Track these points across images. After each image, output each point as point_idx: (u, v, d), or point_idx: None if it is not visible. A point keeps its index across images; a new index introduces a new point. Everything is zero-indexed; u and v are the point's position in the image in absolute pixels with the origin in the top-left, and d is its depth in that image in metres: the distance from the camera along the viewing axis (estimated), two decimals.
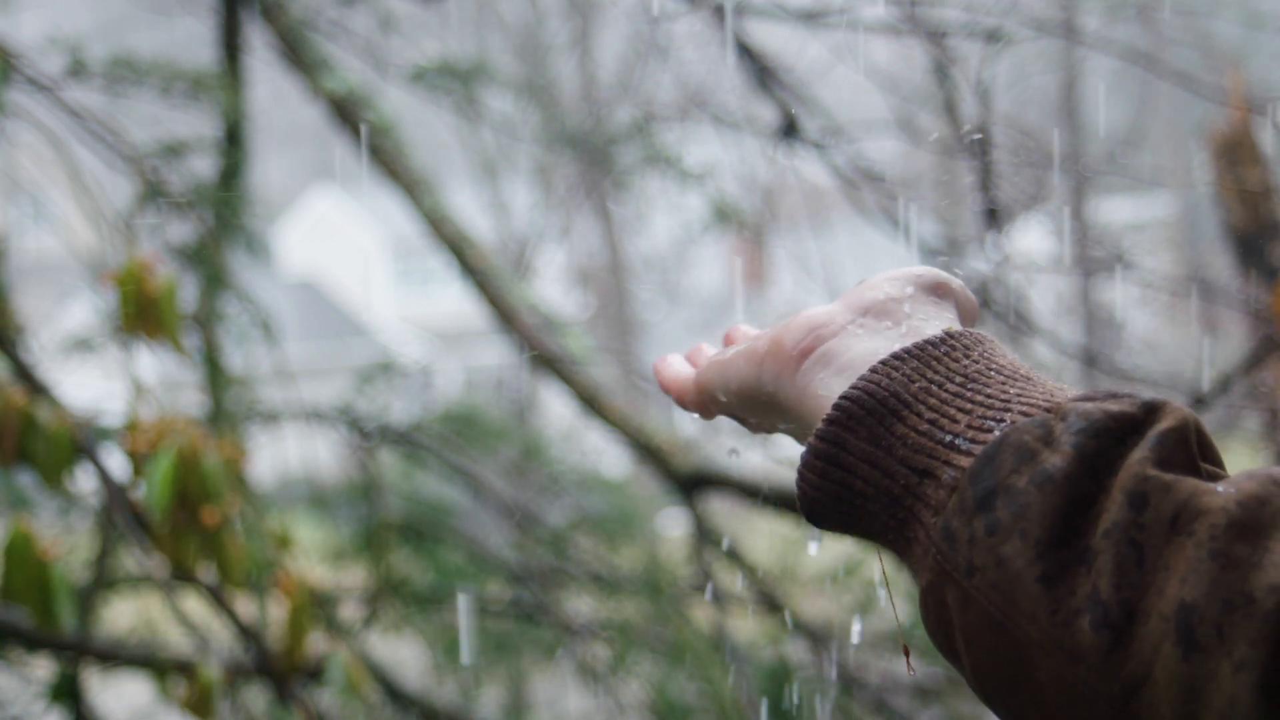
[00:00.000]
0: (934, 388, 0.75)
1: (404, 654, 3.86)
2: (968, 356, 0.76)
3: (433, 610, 3.48)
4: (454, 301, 15.70)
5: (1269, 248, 3.92)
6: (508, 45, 10.20)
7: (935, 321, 0.80)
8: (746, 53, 2.99)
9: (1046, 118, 9.41)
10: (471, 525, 3.79)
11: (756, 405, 0.84)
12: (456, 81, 3.40)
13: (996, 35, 2.68)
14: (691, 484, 3.34)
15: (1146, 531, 0.66)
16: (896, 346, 0.77)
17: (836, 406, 0.75)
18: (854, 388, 0.75)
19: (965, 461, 0.71)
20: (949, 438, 0.72)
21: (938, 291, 0.82)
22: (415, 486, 3.91)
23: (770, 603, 3.55)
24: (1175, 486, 0.66)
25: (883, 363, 0.76)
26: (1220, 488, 0.66)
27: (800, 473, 0.77)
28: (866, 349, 0.78)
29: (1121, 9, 3.47)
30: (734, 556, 3.64)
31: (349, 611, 3.42)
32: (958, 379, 0.75)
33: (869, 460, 0.74)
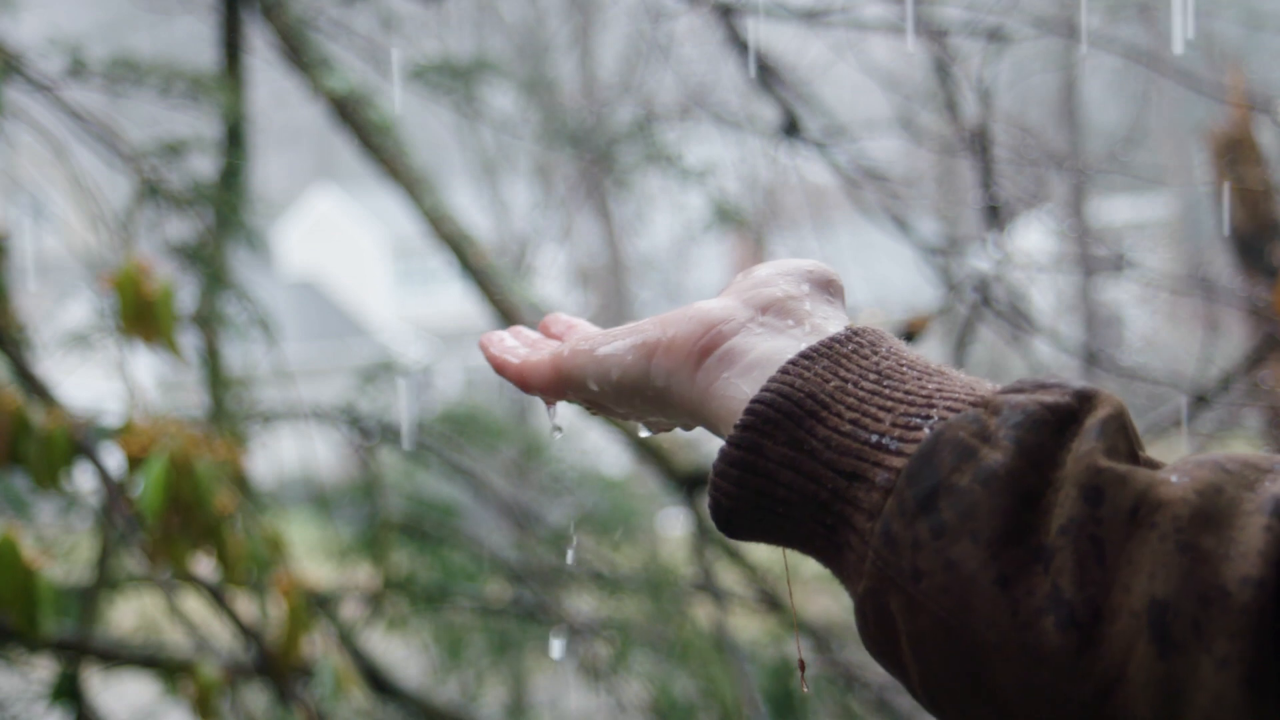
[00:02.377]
0: (849, 386, 0.72)
1: (405, 654, 3.86)
2: (876, 353, 0.74)
3: (435, 609, 3.48)
4: (454, 301, 15.70)
5: (1269, 247, 3.92)
6: (508, 45, 10.19)
7: (834, 320, 0.77)
8: (748, 51, 2.99)
9: (1046, 117, 9.41)
10: (473, 525, 3.79)
11: (640, 400, 0.80)
12: (457, 80, 3.40)
13: (997, 34, 2.68)
14: (692, 483, 3.34)
15: (1105, 526, 0.63)
16: (803, 345, 0.74)
17: (750, 411, 0.72)
18: (766, 390, 0.72)
19: (897, 462, 0.68)
20: (875, 437, 0.69)
21: (829, 289, 0.80)
22: (417, 486, 3.91)
23: (771, 601, 3.55)
24: (1130, 478, 0.64)
25: (792, 363, 0.73)
26: (1174, 478, 0.64)
27: (713, 481, 0.73)
28: (771, 348, 0.75)
29: (1123, 8, 3.47)
30: (734, 555, 3.63)
31: (351, 611, 3.42)
32: (872, 376, 0.72)
33: (790, 465, 0.71)
